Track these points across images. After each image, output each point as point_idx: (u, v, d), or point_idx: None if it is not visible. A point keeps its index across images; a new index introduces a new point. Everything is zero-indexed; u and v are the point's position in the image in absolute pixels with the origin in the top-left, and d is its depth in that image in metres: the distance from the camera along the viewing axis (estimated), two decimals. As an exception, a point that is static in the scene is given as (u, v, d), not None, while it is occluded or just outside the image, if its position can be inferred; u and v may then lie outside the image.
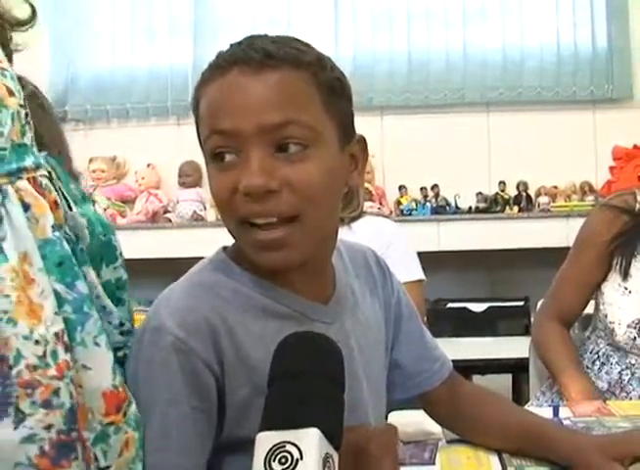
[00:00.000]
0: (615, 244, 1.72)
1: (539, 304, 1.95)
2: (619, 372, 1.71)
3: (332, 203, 0.94)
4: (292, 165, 0.88)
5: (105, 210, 4.18)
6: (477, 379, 3.17)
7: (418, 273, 2.16)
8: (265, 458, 0.67)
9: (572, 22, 4.08)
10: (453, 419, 1.23)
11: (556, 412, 1.36)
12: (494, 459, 1.15)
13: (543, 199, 3.94)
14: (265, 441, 0.69)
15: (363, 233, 2.05)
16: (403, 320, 1.18)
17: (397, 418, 1.39)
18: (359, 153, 0.99)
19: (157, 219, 4.15)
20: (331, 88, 0.92)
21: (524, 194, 3.98)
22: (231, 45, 0.94)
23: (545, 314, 1.86)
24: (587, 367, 1.78)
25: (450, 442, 1.25)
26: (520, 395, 2.79)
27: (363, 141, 1.00)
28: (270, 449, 0.68)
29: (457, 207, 4.00)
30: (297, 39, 0.96)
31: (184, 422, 0.86)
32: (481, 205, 3.96)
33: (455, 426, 1.24)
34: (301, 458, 0.67)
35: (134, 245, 3.96)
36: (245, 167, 0.87)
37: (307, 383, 0.72)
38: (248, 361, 0.91)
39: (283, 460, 0.67)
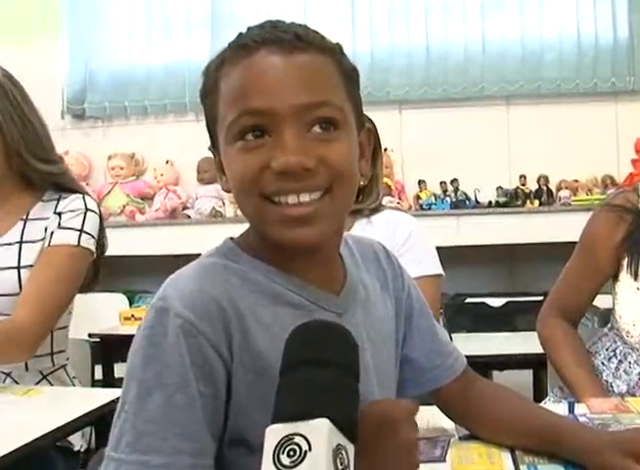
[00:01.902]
0: (623, 246, 1.70)
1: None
2: (639, 373, 1.68)
3: (354, 184, 0.94)
4: (325, 144, 0.88)
5: (124, 206, 4.21)
6: (496, 375, 3.14)
7: (436, 268, 2.13)
8: (274, 451, 0.66)
9: (593, 12, 4.03)
10: (466, 416, 1.21)
11: (572, 409, 1.34)
12: (506, 457, 1.12)
13: (564, 193, 3.90)
14: (274, 433, 0.67)
15: (382, 227, 2.04)
16: (414, 315, 1.17)
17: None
18: (366, 142, 0.99)
19: (175, 216, 4.16)
20: (350, 75, 0.94)
21: (544, 188, 3.95)
22: (249, 28, 0.93)
23: (549, 310, 1.84)
24: (603, 364, 1.74)
25: (462, 438, 1.23)
26: (541, 391, 2.75)
27: (369, 132, 1.00)
28: (279, 442, 0.66)
29: (477, 201, 3.97)
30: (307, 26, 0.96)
31: (191, 407, 0.84)
32: (502, 199, 3.93)
33: (468, 422, 1.22)
34: (310, 450, 0.66)
35: (153, 241, 3.99)
36: (278, 146, 0.87)
37: (321, 372, 0.71)
38: (254, 348, 0.89)
39: (291, 453, 0.66)
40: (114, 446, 0.83)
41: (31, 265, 1.81)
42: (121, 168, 4.29)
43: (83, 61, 4.39)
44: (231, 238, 1.00)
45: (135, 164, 4.34)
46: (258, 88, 0.87)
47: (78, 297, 1.92)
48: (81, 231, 1.84)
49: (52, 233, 1.83)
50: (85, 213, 1.86)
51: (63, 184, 1.92)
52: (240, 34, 0.93)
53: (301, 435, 0.66)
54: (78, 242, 1.83)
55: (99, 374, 2.60)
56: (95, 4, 4.39)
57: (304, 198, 0.88)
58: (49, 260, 1.81)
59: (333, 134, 0.89)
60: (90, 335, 2.76)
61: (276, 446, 0.66)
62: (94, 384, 2.24)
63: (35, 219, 1.87)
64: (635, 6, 3.99)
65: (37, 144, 1.85)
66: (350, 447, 0.69)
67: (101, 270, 1.98)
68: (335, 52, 0.93)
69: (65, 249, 1.82)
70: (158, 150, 4.30)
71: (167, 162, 4.30)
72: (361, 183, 0.97)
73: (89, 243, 1.86)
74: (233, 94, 0.89)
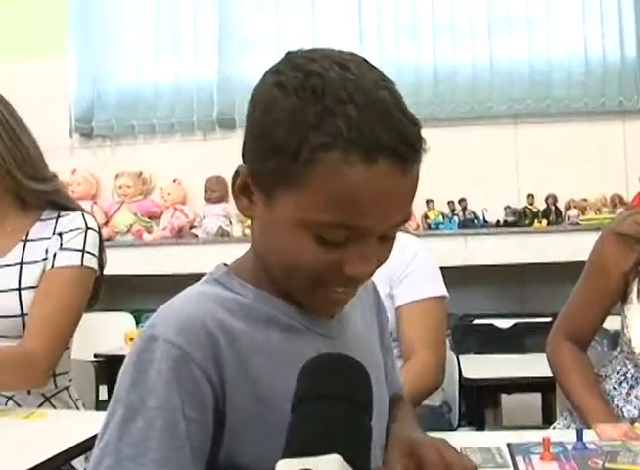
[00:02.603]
0: (633, 271, 1.68)
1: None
2: (651, 397, 1.66)
3: None
4: (383, 246, 0.90)
5: (131, 225, 4.21)
6: (504, 398, 3.12)
7: (441, 289, 2.12)
8: None
9: (600, 31, 4.01)
10: None
11: (580, 435, 1.32)
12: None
13: (573, 212, 3.87)
14: (285, 468, 0.67)
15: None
16: (388, 352, 1.19)
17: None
18: None
19: (182, 235, 4.16)
20: None
21: (552, 207, 3.92)
22: (357, 93, 0.84)
23: (558, 334, 1.82)
24: (614, 389, 1.73)
25: None
26: (550, 414, 2.73)
27: None
28: None
29: (485, 220, 3.95)
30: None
31: (172, 432, 0.83)
32: (510, 218, 3.91)
33: None
34: None
35: (160, 260, 3.98)
36: (358, 253, 0.86)
37: (335, 407, 0.70)
38: (250, 372, 0.88)
39: None
40: (94, 469, 0.83)
41: (32, 287, 1.81)
42: (129, 187, 4.29)
43: (91, 79, 4.39)
44: (225, 264, 0.99)
45: (142, 183, 4.34)
46: (370, 210, 0.83)
47: (84, 316, 1.92)
48: (84, 251, 1.85)
49: (54, 255, 1.83)
50: (86, 232, 1.87)
51: (58, 202, 1.92)
52: (350, 118, 0.82)
53: None
54: (82, 262, 1.84)
55: (103, 394, 2.59)
56: (103, 23, 4.41)
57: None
58: (55, 284, 1.81)
59: (393, 236, 0.91)
60: (96, 355, 2.76)
61: None
62: (98, 405, 2.22)
63: (35, 240, 1.87)
64: (643, 24, 3.98)
65: (29, 164, 1.86)
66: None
67: (101, 288, 1.97)
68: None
69: (69, 271, 1.82)
70: (165, 169, 4.30)
71: (175, 181, 4.30)
72: None
73: (92, 262, 1.86)
74: (339, 198, 0.82)
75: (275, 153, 0.84)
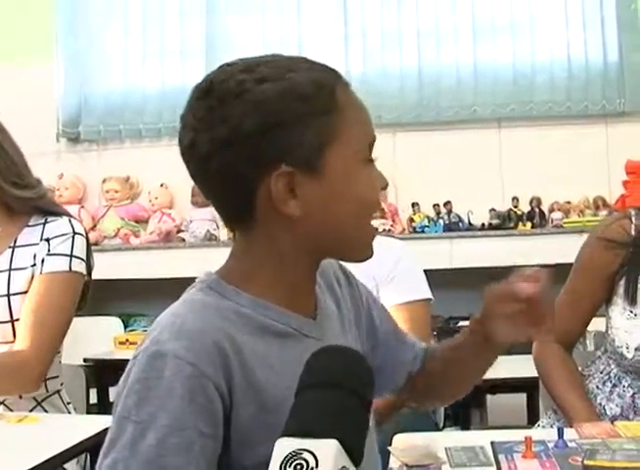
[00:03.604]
0: (619, 273, 1.71)
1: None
2: (632, 396, 1.69)
3: None
4: None
5: (118, 229, 4.22)
6: (489, 398, 3.15)
7: (425, 292, 2.15)
8: (281, 463, 0.68)
9: (583, 36, 4.07)
10: (426, 391, 1.26)
11: (561, 434, 1.35)
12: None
13: (556, 214, 3.92)
14: (284, 446, 0.69)
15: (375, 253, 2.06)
16: (377, 325, 1.19)
17: (402, 441, 1.39)
18: None
19: (170, 239, 4.17)
20: None
21: (537, 210, 3.97)
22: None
23: None
24: (597, 388, 1.76)
25: (455, 465, 1.24)
26: (534, 414, 2.76)
27: None
28: (287, 455, 0.68)
29: (470, 223, 3.99)
30: None
31: (186, 450, 0.84)
32: (494, 221, 3.95)
33: (428, 395, 1.30)
34: (317, 467, 0.67)
35: (148, 264, 4.00)
36: (376, 170, 1.01)
37: (338, 396, 0.73)
38: (255, 383, 0.90)
39: (298, 467, 0.68)
40: None
41: (21, 292, 1.83)
42: (116, 192, 4.30)
43: (78, 84, 4.41)
44: (212, 272, 1.01)
45: (130, 188, 4.35)
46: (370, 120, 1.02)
47: (72, 321, 1.93)
48: (71, 256, 1.86)
49: (43, 260, 1.84)
50: (73, 237, 1.88)
51: (43, 207, 1.93)
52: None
53: (310, 451, 0.68)
54: (70, 267, 1.85)
55: (94, 398, 2.60)
56: (90, 28, 4.42)
57: None
58: (44, 289, 1.82)
59: None
60: (85, 360, 2.77)
61: (284, 459, 0.68)
62: (89, 409, 2.24)
63: (23, 246, 1.88)
64: (624, 30, 4.04)
65: (12, 171, 1.86)
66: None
67: (89, 291, 1.98)
68: None
69: (58, 276, 1.84)
70: (152, 173, 4.31)
71: (162, 185, 4.31)
72: None
73: (80, 267, 1.88)
74: (364, 121, 1.00)
75: (307, 122, 0.93)
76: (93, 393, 2.56)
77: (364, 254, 1.02)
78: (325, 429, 0.70)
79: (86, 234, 1.95)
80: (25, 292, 1.83)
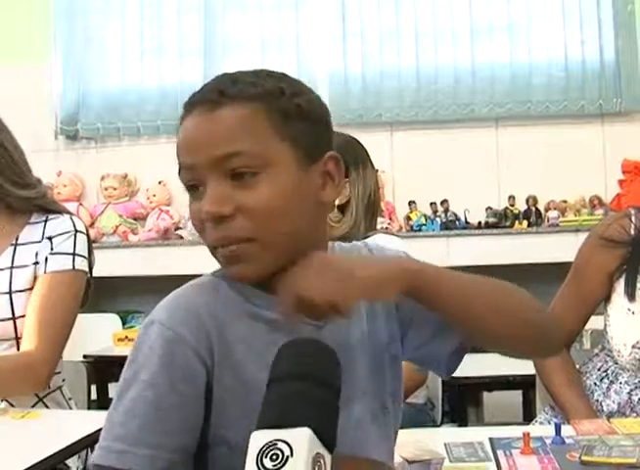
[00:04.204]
0: (618, 270, 1.73)
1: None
2: (629, 392, 1.71)
3: (294, 220, 0.98)
4: (244, 192, 0.94)
5: (117, 227, 4.23)
6: (486, 396, 3.17)
7: None
8: (258, 455, 0.71)
9: (580, 36, 4.08)
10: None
11: (558, 430, 1.37)
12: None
13: (552, 213, 3.94)
14: (259, 438, 0.72)
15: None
16: (412, 310, 1.11)
17: (403, 437, 1.40)
18: (334, 170, 1.02)
19: (168, 236, 4.18)
20: (285, 114, 0.98)
21: (533, 208, 3.99)
22: (203, 85, 1.02)
23: None
24: (595, 384, 1.78)
25: (454, 460, 1.26)
26: (530, 411, 2.78)
27: (336, 158, 1.03)
28: (263, 447, 0.71)
29: (467, 221, 4.00)
30: (262, 71, 1.03)
31: (157, 403, 0.92)
32: (491, 219, 3.96)
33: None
34: (292, 456, 0.70)
35: (146, 261, 4.01)
36: (204, 197, 0.95)
37: (307, 386, 0.76)
38: (233, 359, 0.96)
39: (274, 457, 0.70)
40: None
41: (23, 290, 1.84)
42: (114, 189, 4.31)
43: (76, 82, 4.41)
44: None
45: (128, 185, 4.37)
46: (186, 146, 0.97)
47: (76, 319, 1.94)
48: (74, 254, 1.88)
49: (46, 259, 1.86)
50: (75, 235, 1.90)
51: (44, 206, 1.95)
52: (191, 95, 1.02)
53: (285, 441, 0.71)
54: (73, 266, 1.87)
55: (94, 394, 2.62)
56: (88, 26, 4.43)
57: (229, 246, 0.96)
58: (48, 288, 1.84)
59: (252, 180, 0.94)
60: (85, 356, 2.78)
61: (260, 450, 0.71)
62: (90, 405, 2.25)
63: (25, 244, 1.89)
64: (621, 29, 4.05)
65: (12, 170, 1.88)
66: (328, 457, 0.73)
67: (91, 289, 2.00)
68: (263, 98, 0.97)
69: (61, 275, 1.86)
70: (150, 171, 4.32)
71: (160, 182, 4.32)
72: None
73: (83, 265, 1.90)
74: (177, 150, 1.00)
75: None
76: (93, 389, 2.57)
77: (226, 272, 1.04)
78: (298, 419, 0.73)
79: (87, 232, 1.97)
80: (27, 289, 1.85)
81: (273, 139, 0.96)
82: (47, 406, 1.88)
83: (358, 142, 2.15)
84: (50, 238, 1.88)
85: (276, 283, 0.98)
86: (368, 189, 2.14)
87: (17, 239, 1.90)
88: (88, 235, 1.97)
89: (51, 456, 1.42)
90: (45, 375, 1.80)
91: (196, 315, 0.96)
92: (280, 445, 0.71)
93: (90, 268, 1.96)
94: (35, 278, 1.86)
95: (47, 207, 1.95)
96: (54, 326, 1.82)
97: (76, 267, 1.87)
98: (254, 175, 0.94)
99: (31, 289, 1.85)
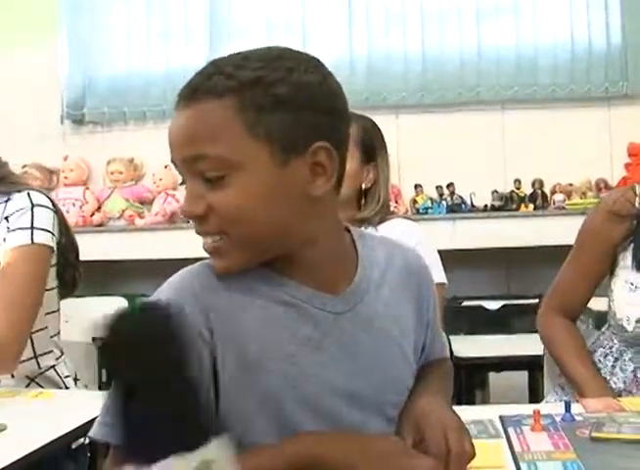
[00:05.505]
0: (620, 247, 1.74)
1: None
2: (634, 370, 1.72)
3: (270, 217, 0.97)
4: (214, 192, 0.96)
5: (123, 211, 4.24)
6: (492, 376, 3.19)
7: (441, 277, 2.18)
8: None
9: (586, 19, 4.07)
10: None
11: (568, 408, 1.38)
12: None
13: (558, 196, 3.94)
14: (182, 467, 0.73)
15: (389, 235, 2.09)
16: (430, 322, 1.21)
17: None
18: (325, 161, 0.99)
19: (174, 220, 4.19)
20: (259, 108, 0.94)
21: (539, 192, 3.99)
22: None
23: (549, 308, 1.88)
24: (600, 362, 1.79)
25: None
26: (536, 392, 2.80)
27: (327, 148, 0.99)
28: None
29: (472, 205, 4.01)
30: (254, 53, 1.00)
31: None
32: (497, 203, 3.97)
33: None
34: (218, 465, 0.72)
35: (152, 245, 4.02)
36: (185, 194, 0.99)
37: (143, 403, 0.76)
38: (237, 339, 0.98)
39: None
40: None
41: None
42: (120, 173, 4.32)
43: (83, 67, 4.41)
44: None
45: (134, 169, 4.37)
46: (169, 142, 1.00)
47: (78, 301, 1.92)
48: (32, 228, 1.80)
49: (4, 239, 1.80)
50: (32, 209, 1.83)
51: (4, 188, 1.88)
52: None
53: (207, 461, 0.73)
54: (32, 240, 1.79)
55: (104, 377, 2.63)
56: (94, 10, 4.42)
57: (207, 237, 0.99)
58: (7, 265, 1.78)
59: (220, 182, 0.95)
60: (94, 339, 2.79)
61: None
62: (101, 386, 2.27)
63: None
64: (628, 12, 4.03)
65: None
66: (222, 457, 0.75)
67: (80, 272, 1.96)
68: (236, 91, 0.94)
69: (19, 251, 1.78)
70: (156, 155, 4.30)
71: (166, 166, 4.31)
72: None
73: (44, 238, 1.82)
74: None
75: None
76: (104, 372, 2.58)
77: None
78: (156, 453, 0.73)
79: (54, 206, 1.90)
80: None
81: (244, 138, 0.94)
82: (41, 386, 1.86)
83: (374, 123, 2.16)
84: (7, 218, 1.82)
85: (283, 266, 1.01)
86: (389, 172, 2.18)
87: None
88: (57, 211, 1.90)
89: (64, 436, 1.44)
90: (11, 355, 1.72)
91: (196, 297, 0.98)
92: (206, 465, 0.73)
93: (74, 251, 1.92)
94: None
95: (12, 188, 1.88)
96: (16, 303, 1.74)
97: (35, 241, 1.79)
98: (222, 177, 0.95)
99: None
